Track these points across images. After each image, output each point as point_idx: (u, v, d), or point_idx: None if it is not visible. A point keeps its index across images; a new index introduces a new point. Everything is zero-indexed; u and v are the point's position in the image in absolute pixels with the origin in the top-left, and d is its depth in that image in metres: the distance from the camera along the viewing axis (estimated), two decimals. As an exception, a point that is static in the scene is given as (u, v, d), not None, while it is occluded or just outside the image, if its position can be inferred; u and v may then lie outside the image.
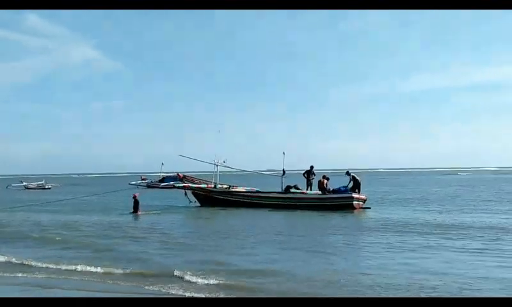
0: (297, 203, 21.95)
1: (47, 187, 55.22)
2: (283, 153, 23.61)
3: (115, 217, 20.07)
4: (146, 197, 34.23)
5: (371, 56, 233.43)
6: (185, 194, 24.63)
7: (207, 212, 22.25)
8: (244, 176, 29.87)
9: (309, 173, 23.26)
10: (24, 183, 57.44)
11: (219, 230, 15.71)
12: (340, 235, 14.20)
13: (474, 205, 23.47)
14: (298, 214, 20.00)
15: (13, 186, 56.75)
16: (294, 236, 14.15)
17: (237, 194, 23.87)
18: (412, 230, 14.55)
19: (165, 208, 24.29)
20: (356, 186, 22.10)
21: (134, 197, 22.04)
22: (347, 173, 22.50)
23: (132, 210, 21.68)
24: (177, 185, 24.19)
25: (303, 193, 22.67)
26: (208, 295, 6.82)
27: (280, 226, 16.63)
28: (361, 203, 21.94)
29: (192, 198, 24.44)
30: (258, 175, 29.53)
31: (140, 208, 21.79)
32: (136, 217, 20.51)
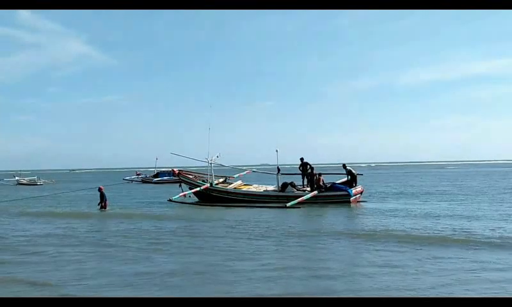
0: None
1: (38, 183, 54.82)
2: (276, 150, 23.56)
3: (70, 219, 17.94)
4: (139, 192, 34.46)
5: (365, 51, 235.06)
6: (180, 185, 24.84)
7: (195, 209, 21.79)
8: (238, 171, 29.80)
9: (303, 166, 23.29)
10: (17, 178, 57.06)
11: (197, 232, 13.87)
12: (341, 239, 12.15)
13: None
14: (295, 211, 19.89)
15: (5, 180, 56.43)
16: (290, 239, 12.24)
17: (235, 192, 23.78)
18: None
19: (146, 205, 23.79)
20: (353, 179, 22.41)
21: (100, 190, 20.92)
22: (344, 166, 22.78)
23: (99, 205, 20.68)
24: (174, 198, 23.67)
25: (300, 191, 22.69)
26: (208, 295, 6.79)
27: (275, 227, 14.56)
28: (358, 196, 22.33)
29: (187, 190, 24.37)
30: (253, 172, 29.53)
31: (107, 203, 20.87)
32: (101, 215, 19.20)
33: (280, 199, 21.95)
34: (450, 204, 21.09)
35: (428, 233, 12.72)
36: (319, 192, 21.84)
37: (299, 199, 21.33)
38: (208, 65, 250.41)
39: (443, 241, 11.45)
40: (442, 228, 13.65)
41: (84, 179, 70.50)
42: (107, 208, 20.60)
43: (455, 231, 12.98)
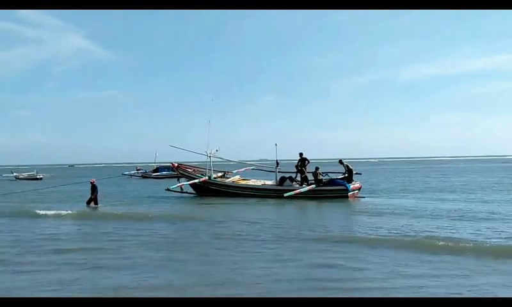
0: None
1: (38, 176, 54.92)
2: (275, 144, 23.61)
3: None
4: (140, 187, 34.47)
5: (367, 47, 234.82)
6: (178, 180, 24.93)
7: (190, 204, 21.73)
8: (237, 165, 29.78)
9: (302, 161, 23.23)
10: (15, 174, 57.05)
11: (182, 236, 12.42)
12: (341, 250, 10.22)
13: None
14: (293, 204, 19.95)
15: (3, 176, 56.45)
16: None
17: (233, 186, 23.89)
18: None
19: (143, 200, 23.51)
20: (350, 175, 22.44)
21: (92, 183, 19.96)
22: (340, 162, 22.81)
23: (89, 200, 19.69)
24: (172, 187, 23.80)
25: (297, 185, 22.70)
26: (208, 295, 6.77)
27: (273, 224, 13.90)
28: (355, 191, 22.34)
29: (187, 187, 24.45)
30: (251, 165, 29.43)
31: (99, 196, 19.88)
32: (92, 210, 18.20)
33: (278, 193, 22.02)
34: (470, 203, 19.46)
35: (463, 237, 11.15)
36: (316, 186, 21.89)
37: (297, 191, 21.58)
38: (208, 64, 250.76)
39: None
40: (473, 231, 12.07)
41: (84, 174, 70.32)
42: (99, 204, 19.74)
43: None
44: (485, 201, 20.00)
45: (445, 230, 12.38)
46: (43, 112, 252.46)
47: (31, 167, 74.62)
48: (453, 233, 11.95)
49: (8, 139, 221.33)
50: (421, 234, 11.64)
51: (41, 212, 17.58)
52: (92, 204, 19.76)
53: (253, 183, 24.08)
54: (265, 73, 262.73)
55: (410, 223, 13.78)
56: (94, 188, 19.96)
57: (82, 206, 19.71)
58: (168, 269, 8.59)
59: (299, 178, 23.06)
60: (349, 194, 21.51)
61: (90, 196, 19.97)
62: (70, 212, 17.70)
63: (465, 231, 12.16)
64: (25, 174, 56.83)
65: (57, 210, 18.11)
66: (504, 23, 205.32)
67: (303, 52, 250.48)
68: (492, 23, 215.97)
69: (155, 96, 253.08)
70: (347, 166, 22.59)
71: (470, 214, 15.62)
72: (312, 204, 19.78)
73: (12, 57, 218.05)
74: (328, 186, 22.02)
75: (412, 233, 11.82)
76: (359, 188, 22.95)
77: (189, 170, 25.34)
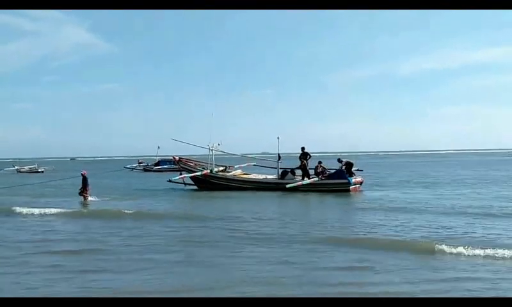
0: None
1: (39, 170, 55.05)
2: (278, 137, 23.65)
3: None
4: (143, 181, 34.52)
5: (366, 40, 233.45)
6: (180, 174, 25.06)
7: (197, 198, 21.76)
8: (239, 159, 29.72)
9: (304, 155, 23.24)
10: (16, 167, 57.16)
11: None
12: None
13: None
14: (300, 199, 19.96)
15: (5, 170, 56.56)
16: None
17: (235, 179, 23.96)
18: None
19: (145, 194, 23.27)
20: (349, 169, 22.59)
21: (83, 175, 19.54)
22: (339, 160, 22.95)
23: (80, 191, 19.24)
24: (174, 178, 24.04)
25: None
26: (208, 295, 6.76)
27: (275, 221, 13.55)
28: (357, 185, 22.41)
29: (188, 181, 24.54)
30: (252, 159, 29.39)
31: (89, 188, 19.40)
32: (93, 206, 17.52)
33: (279, 186, 22.12)
34: (488, 198, 18.50)
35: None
36: (319, 180, 21.93)
37: (299, 183, 21.79)
38: (208, 57, 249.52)
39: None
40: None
41: (85, 168, 70.08)
42: (88, 197, 19.19)
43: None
44: (505, 197, 18.87)
45: (479, 228, 11.54)
46: (43, 106, 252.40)
47: (32, 161, 74.67)
48: (488, 232, 11.03)
49: (8, 133, 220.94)
50: (454, 234, 10.85)
51: (23, 210, 16.45)
52: (86, 197, 19.23)
53: (254, 177, 24.16)
54: (264, 67, 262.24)
55: (439, 221, 12.87)
56: (85, 180, 19.53)
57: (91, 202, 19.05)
58: (201, 271, 8.30)
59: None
60: (350, 187, 21.54)
61: (84, 188, 19.46)
62: (73, 209, 16.92)
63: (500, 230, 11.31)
64: (27, 168, 56.90)
65: (57, 206, 17.24)
66: (504, 16, 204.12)
67: (302, 46, 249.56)
68: (492, 16, 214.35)
69: (156, 89, 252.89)
70: (348, 162, 22.74)
71: (494, 210, 14.67)
72: (319, 198, 19.75)
73: (10, 50, 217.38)
74: (331, 179, 22.04)
75: (446, 233, 11.00)
76: (361, 183, 22.97)
77: (191, 164, 25.40)
